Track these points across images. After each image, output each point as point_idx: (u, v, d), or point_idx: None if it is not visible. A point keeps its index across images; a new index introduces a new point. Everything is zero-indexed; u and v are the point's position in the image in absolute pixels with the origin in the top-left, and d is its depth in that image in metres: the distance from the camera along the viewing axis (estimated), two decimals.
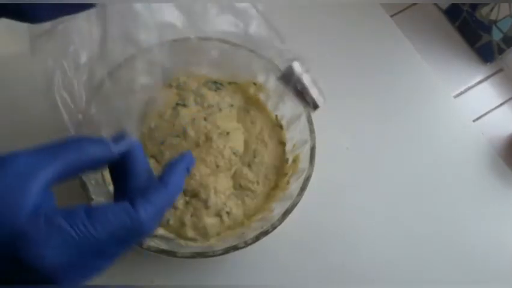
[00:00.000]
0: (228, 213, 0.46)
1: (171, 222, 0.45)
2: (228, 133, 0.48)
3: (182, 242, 0.44)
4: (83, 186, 0.41)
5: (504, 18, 0.58)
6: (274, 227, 0.41)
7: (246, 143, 0.50)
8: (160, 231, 0.45)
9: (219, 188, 0.46)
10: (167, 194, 0.29)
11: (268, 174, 0.49)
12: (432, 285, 0.50)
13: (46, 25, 0.29)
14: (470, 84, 0.62)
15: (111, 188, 0.45)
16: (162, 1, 0.30)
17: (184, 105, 0.49)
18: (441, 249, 0.51)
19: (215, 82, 0.51)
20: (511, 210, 0.55)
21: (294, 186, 0.44)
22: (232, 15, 0.32)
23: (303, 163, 0.46)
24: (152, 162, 0.47)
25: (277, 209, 0.44)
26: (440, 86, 0.61)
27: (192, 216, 0.45)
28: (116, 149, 0.29)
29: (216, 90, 0.51)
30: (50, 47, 0.30)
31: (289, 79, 0.34)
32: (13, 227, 0.23)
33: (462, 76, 0.63)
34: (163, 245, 0.41)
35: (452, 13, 0.65)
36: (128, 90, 0.31)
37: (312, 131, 0.46)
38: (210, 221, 0.45)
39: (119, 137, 0.30)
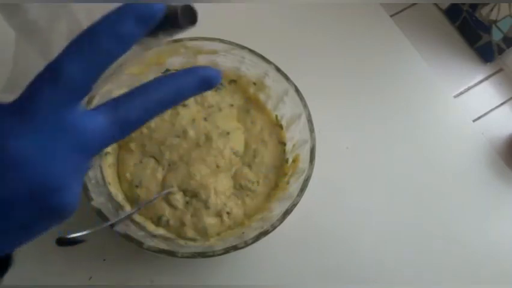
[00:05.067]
0: (228, 213, 0.46)
1: (171, 222, 0.45)
2: (228, 133, 0.48)
3: (182, 242, 0.44)
4: (83, 186, 0.41)
5: (504, 18, 0.58)
6: (274, 227, 0.41)
7: (246, 143, 0.50)
8: (160, 231, 0.45)
9: (219, 188, 0.46)
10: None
11: (268, 174, 0.49)
12: (432, 286, 0.50)
13: None
14: (470, 84, 0.62)
15: (111, 188, 0.45)
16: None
17: (184, 105, 0.49)
18: (442, 248, 0.51)
19: None
20: (511, 210, 0.55)
21: (294, 186, 0.44)
22: None
23: (303, 163, 0.45)
24: (152, 162, 0.47)
25: (277, 209, 0.44)
26: (440, 86, 0.61)
27: (192, 216, 0.45)
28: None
29: (216, 90, 0.51)
30: None
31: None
32: None
33: (462, 76, 0.63)
34: (163, 245, 0.41)
35: (452, 13, 0.65)
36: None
37: (312, 130, 0.46)
38: (210, 221, 0.45)
39: None
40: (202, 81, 0.25)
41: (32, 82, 0.22)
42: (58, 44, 0.29)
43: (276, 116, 0.51)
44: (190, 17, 0.26)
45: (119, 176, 0.47)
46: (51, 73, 0.21)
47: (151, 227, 0.45)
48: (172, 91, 0.24)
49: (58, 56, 0.22)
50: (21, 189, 0.21)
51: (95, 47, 0.21)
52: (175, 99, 0.25)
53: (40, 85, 0.21)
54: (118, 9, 0.22)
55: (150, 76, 0.48)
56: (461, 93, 0.61)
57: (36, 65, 0.25)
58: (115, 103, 0.23)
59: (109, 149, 0.47)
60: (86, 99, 0.25)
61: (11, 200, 0.21)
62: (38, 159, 0.21)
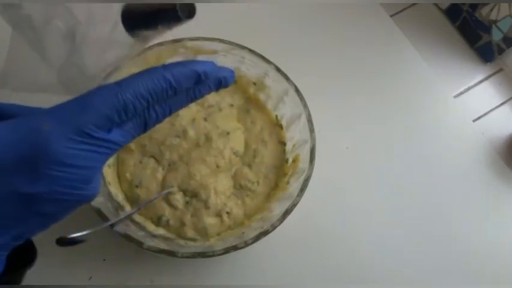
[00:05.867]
0: (228, 213, 0.46)
1: (171, 222, 0.45)
2: (228, 133, 0.48)
3: (182, 242, 0.44)
4: None
5: (504, 18, 0.58)
6: (274, 227, 0.41)
7: (246, 143, 0.50)
8: (160, 231, 0.45)
9: (219, 188, 0.46)
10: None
11: (268, 174, 0.49)
12: (432, 286, 0.50)
13: None
14: (470, 84, 0.62)
15: (111, 188, 0.45)
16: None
17: None
18: (442, 248, 0.51)
19: None
20: (511, 210, 0.55)
21: (294, 186, 0.44)
22: None
23: (303, 163, 0.45)
24: (152, 162, 0.47)
25: (277, 209, 0.44)
26: (440, 86, 0.61)
27: (192, 216, 0.45)
28: None
29: None
30: None
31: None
32: None
33: (462, 76, 0.63)
34: (163, 245, 0.41)
35: (452, 13, 0.65)
36: None
37: (312, 130, 0.46)
38: (210, 221, 0.45)
39: None
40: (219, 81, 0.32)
41: (94, 97, 0.25)
42: (53, 41, 0.29)
43: (276, 116, 0.51)
44: (188, 10, 0.26)
45: (119, 176, 0.47)
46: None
47: (151, 227, 0.45)
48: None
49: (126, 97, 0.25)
50: (62, 185, 0.24)
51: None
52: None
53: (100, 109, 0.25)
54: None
55: None
56: (461, 93, 0.61)
57: (29, 60, 0.26)
58: (135, 126, 0.27)
59: None
60: None
61: (52, 194, 0.24)
62: (75, 159, 0.24)
